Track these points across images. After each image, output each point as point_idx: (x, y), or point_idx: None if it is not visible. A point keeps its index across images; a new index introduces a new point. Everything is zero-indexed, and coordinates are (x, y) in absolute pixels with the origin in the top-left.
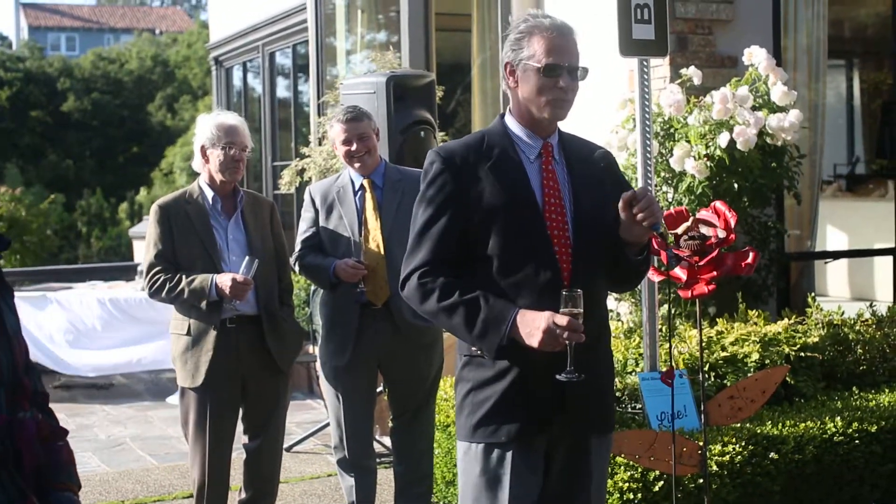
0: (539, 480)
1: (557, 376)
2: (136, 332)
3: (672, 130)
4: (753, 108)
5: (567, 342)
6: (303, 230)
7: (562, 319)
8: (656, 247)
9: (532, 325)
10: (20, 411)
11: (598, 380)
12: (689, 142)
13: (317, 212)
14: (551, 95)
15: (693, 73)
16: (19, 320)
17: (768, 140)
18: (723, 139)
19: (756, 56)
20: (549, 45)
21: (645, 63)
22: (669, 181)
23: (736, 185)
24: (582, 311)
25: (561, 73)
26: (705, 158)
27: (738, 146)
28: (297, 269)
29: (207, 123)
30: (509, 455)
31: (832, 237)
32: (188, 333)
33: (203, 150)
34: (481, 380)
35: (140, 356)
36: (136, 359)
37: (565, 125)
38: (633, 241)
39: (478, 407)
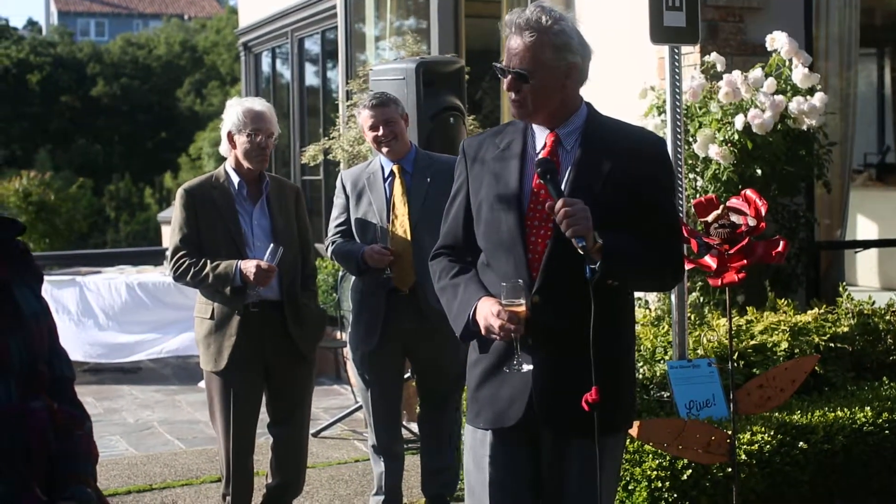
0: (522, 470)
1: (504, 368)
2: (165, 316)
3: (692, 117)
4: (777, 93)
5: (511, 333)
6: (334, 216)
7: (496, 308)
8: (686, 234)
9: (480, 313)
10: (33, 400)
11: (577, 381)
12: (710, 127)
13: (348, 198)
14: (509, 95)
15: (716, 60)
16: (45, 305)
17: (790, 124)
18: (738, 121)
19: (778, 40)
20: (506, 45)
21: (676, 50)
22: (695, 168)
23: (760, 171)
24: (522, 301)
25: (504, 74)
26: (728, 144)
27: (755, 129)
28: (328, 254)
29: (234, 109)
30: (489, 439)
31: (862, 226)
32: (212, 317)
33: (230, 135)
34: (470, 363)
35: (168, 346)
36: (163, 348)
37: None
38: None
39: (468, 390)
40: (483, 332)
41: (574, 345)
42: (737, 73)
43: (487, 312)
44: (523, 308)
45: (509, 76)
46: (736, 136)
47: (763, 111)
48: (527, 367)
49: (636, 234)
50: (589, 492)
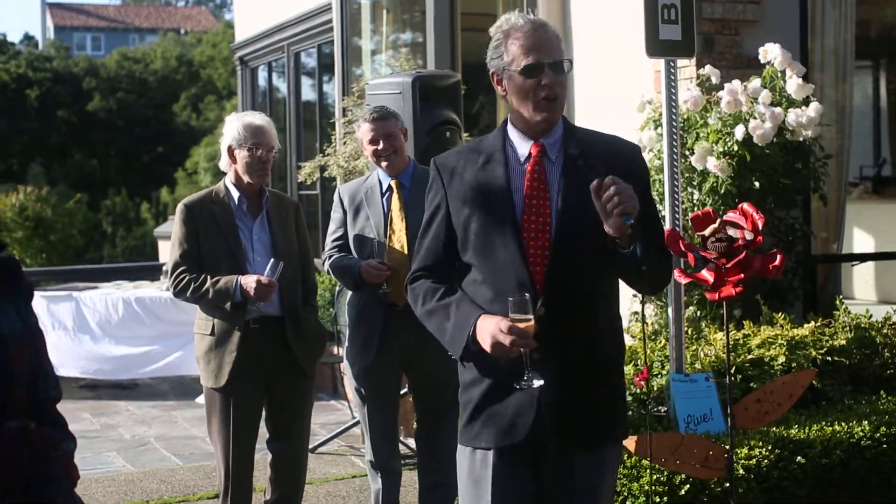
0: (525, 488)
1: (514, 384)
2: (162, 331)
3: (690, 128)
4: (773, 105)
5: (519, 348)
6: (332, 230)
7: (505, 325)
8: (683, 248)
9: (485, 331)
10: (8, 420)
11: (585, 392)
12: (707, 140)
13: (345, 212)
14: (540, 95)
15: (711, 72)
16: (32, 324)
17: (788, 136)
18: (738, 132)
19: (771, 52)
20: (525, 44)
21: (672, 64)
22: (692, 181)
23: (758, 184)
24: (530, 316)
25: (542, 70)
26: (727, 157)
27: (756, 140)
28: (326, 269)
29: (234, 123)
30: (490, 459)
31: (859, 239)
32: (212, 333)
33: (230, 150)
34: (465, 383)
35: (166, 363)
36: (161, 364)
37: (588, 122)
38: (613, 233)
39: (463, 410)
40: (490, 349)
41: (580, 354)
42: (737, 83)
43: (495, 329)
44: (532, 322)
45: (550, 69)
46: (735, 148)
47: (763, 122)
48: (538, 382)
49: None
50: (596, 501)
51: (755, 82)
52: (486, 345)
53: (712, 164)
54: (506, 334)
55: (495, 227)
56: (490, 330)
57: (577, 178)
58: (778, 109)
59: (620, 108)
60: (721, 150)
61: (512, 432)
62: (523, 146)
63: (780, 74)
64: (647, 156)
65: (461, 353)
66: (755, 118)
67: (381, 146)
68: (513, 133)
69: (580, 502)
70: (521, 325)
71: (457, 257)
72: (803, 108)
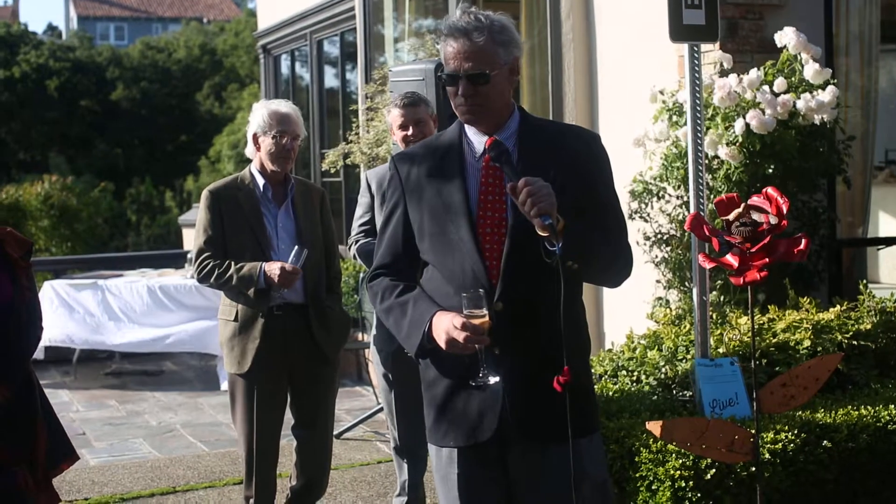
0: (492, 485)
1: (470, 381)
2: (186, 318)
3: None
4: (790, 90)
5: (474, 345)
6: (359, 215)
7: (459, 321)
8: (707, 233)
9: (440, 328)
10: None
11: (549, 387)
12: (716, 128)
13: (373, 197)
14: (455, 102)
15: (722, 58)
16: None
17: (800, 121)
18: (738, 126)
19: (786, 36)
20: (446, 53)
21: (696, 48)
22: (712, 167)
23: (771, 169)
24: (484, 311)
25: (457, 81)
26: (736, 145)
27: (754, 129)
28: (351, 254)
29: (261, 111)
30: (455, 456)
31: (884, 223)
32: (236, 319)
33: (255, 137)
34: (428, 381)
35: (186, 335)
36: (182, 338)
37: (611, 115)
38: (539, 232)
39: (428, 409)
40: (445, 346)
41: (542, 347)
42: (732, 77)
43: (449, 326)
44: (487, 318)
45: (464, 80)
46: (740, 138)
47: (763, 111)
48: (493, 380)
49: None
50: (566, 496)
51: (752, 73)
52: (441, 342)
53: (723, 152)
54: (459, 331)
55: (450, 222)
56: (444, 327)
57: (533, 170)
58: (785, 96)
59: (644, 99)
60: (728, 139)
61: (477, 431)
62: (478, 141)
63: (796, 59)
64: (662, 145)
65: (416, 350)
66: (756, 107)
67: (410, 132)
68: (469, 128)
69: (554, 498)
70: (476, 322)
71: (417, 254)
72: (818, 91)
